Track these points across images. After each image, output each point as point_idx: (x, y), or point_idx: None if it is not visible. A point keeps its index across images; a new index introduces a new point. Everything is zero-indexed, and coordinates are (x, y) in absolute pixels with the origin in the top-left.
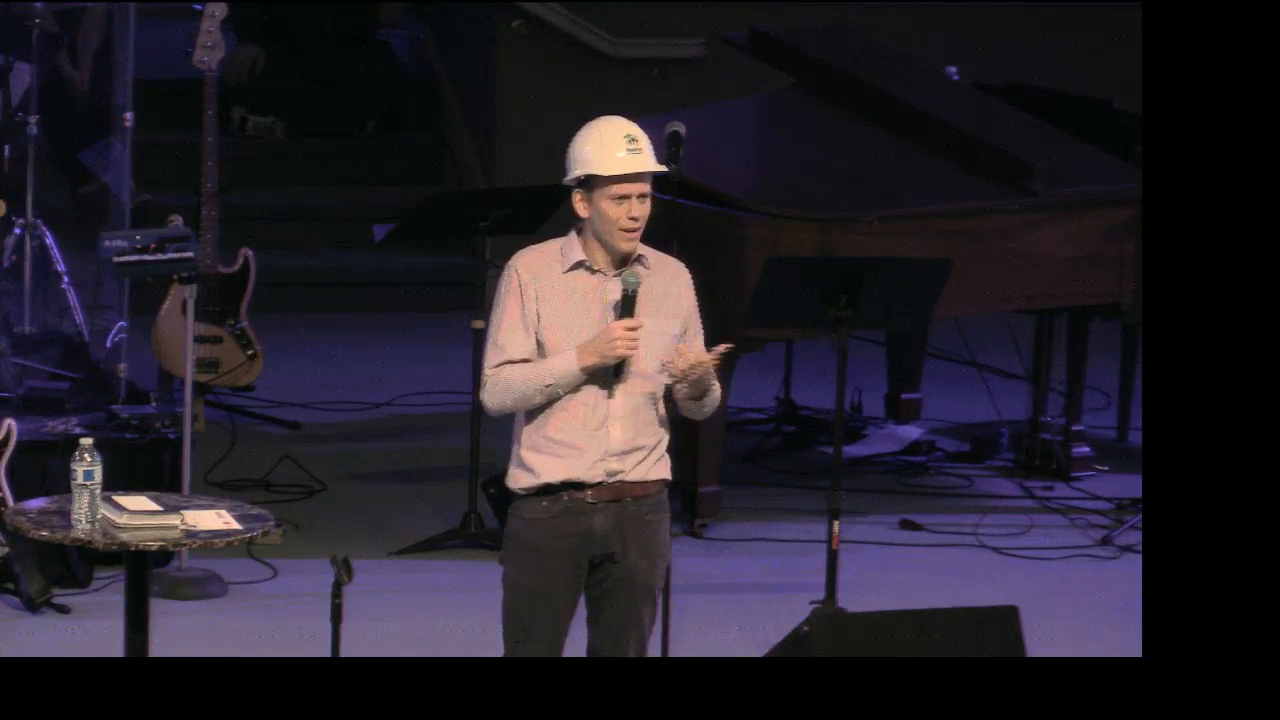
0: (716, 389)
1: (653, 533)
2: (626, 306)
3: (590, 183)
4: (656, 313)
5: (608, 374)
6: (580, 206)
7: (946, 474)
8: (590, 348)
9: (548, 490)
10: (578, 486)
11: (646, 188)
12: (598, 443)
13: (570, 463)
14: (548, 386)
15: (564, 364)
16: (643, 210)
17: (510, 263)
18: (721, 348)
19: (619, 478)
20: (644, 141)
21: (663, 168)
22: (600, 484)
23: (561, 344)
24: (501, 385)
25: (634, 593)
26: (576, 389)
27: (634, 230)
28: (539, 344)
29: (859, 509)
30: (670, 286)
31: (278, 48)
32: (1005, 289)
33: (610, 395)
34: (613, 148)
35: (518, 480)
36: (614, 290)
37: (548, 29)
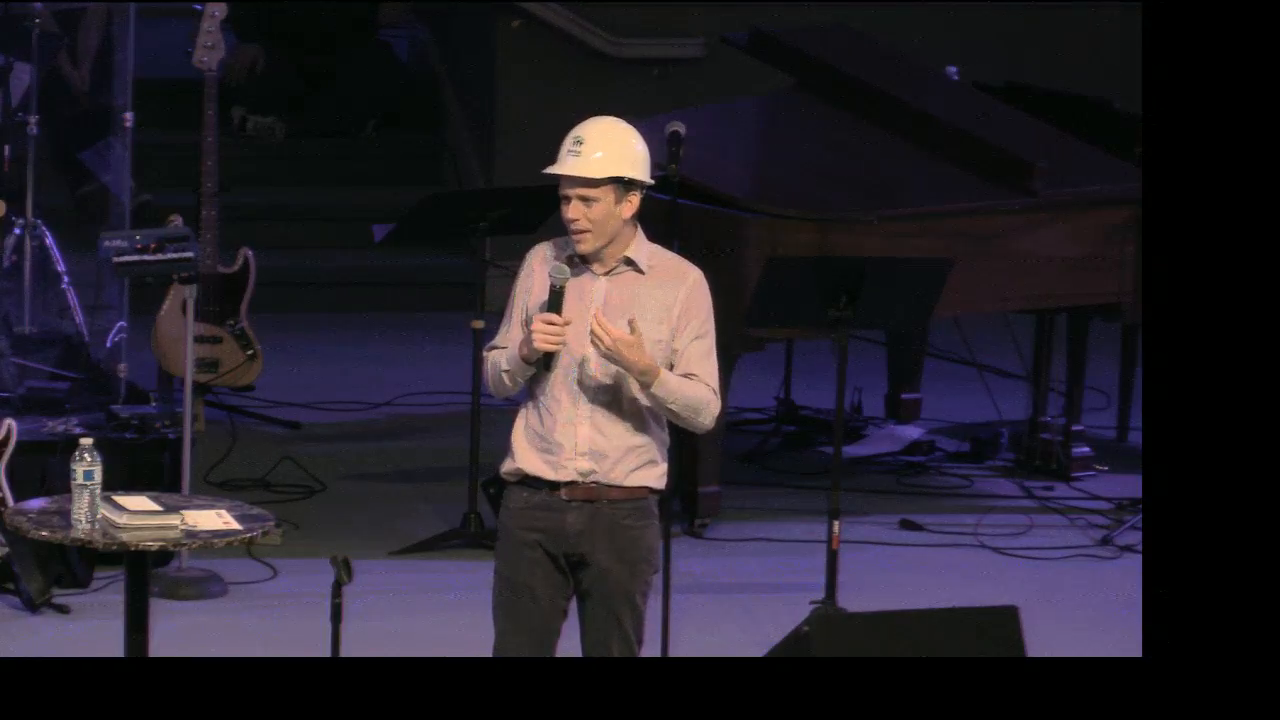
0: (694, 395)
1: (631, 539)
2: (552, 301)
3: None
4: (641, 316)
5: (540, 366)
6: None
7: (946, 474)
8: (524, 338)
9: (527, 482)
10: (553, 483)
11: (588, 191)
12: (569, 441)
13: (546, 458)
14: (505, 372)
15: (511, 351)
16: (583, 213)
17: (529, 251)
18: (618, 332)
19: (593, 478)
20: (596, 146)
21: (595, 174)
22: (573, 483)
23: None
24: (486, 367)
25: (609, 597)
26: (556, 385)
27: (576, 231)
28: None
29: (859, 509)
30: (663, 290)
31: (278, 48)
32: (1005, 289)
33: (585, 395)
34: (563, 146)
35: (504, 465)
36: (600, 286)
37: (548, 29)
